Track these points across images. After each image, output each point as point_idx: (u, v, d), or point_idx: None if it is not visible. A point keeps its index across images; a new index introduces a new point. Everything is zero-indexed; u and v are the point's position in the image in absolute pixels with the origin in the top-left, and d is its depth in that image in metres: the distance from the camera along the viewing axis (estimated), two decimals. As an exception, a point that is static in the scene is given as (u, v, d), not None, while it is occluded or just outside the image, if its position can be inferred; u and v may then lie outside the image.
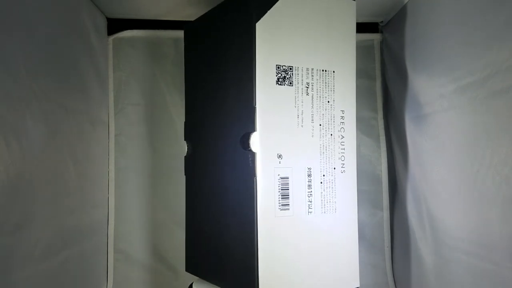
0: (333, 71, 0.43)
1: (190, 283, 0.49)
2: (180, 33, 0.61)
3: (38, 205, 0.39)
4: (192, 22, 0.50)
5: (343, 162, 0.43)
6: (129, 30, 0.61)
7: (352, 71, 0.44)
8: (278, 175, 0.40)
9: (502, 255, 0.34)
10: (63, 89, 0.45)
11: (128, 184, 0.60)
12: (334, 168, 0.43)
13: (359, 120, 0.62)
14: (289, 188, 0.41)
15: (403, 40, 0.53)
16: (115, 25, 0.61)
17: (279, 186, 0.40)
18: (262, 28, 0.39)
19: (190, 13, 0.59)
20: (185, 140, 0.51)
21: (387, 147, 0.62)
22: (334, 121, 0.43)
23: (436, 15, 0.45)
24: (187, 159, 0.51)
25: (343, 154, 0.43)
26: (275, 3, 0.40)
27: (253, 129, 0.39)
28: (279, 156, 0.40)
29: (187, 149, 0.50)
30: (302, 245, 0.41)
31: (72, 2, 0.48)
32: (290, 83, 0.41)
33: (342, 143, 0.43)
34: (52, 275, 0.42)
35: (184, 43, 0.52)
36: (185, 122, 0.51)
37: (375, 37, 0.63)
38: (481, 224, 0.37)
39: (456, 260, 0.42)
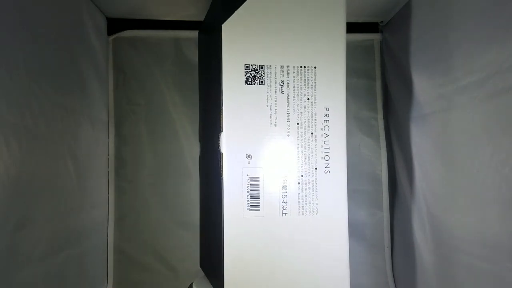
0: (314, 67, 0.41)
1: (190, 283, 0.49)
2: (180, 33, 0.61)
3: (38, 205, 0.39)
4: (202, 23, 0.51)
5: (327, 162, 0.41)
6: (129, 30, 0.61)
7: (339, 65, 0.41)
8: (247, 175, 0.40)
9: (502, 255, 0.34)
10: (63, 89, 0.45)
11: (128, 184, 0.60)
12: (316, 168, 0.41)
13: (359, 120, 0.62)
14: (260, 188, 0.40)
15: (403, 40, 0.53)
16: (115, 25, 0.61)
17: (248, 186, 0.40)
18: (229, 29, 0.39)
19: (190, 13, 0.59)
20: (199, 141, 0.52)
21: (387, 147, 0.62)
22: (315, 119, 0.41)
23: (436, 15, 0.45)
24: (199, 159, 0.52)
25: (327, 154, 0.41)
26: (243, 2, 0.40)
27: (220, 130, 0.39)
28: (248, 156, 0.40)
29: (199, 149, 0.52)
30: (276, 247, 0.40)
31: (72, 2, 0.48)
32: (261, 82, 0.40)
33: (326, 142, 0.41)
34: (52, 275, 0.42)
35: (198, 45, 0.53)
36: (199, 123, 0.52)
37: (375, 37, 0.63)
38: (481, 224, 0.37)
39: (456, 260, 0.42)
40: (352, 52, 0.62)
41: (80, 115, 0.50)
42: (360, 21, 0.62)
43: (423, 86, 0.48)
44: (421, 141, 0.49)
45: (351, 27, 0.62)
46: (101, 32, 0.58)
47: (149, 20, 0.61)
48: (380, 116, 0.62)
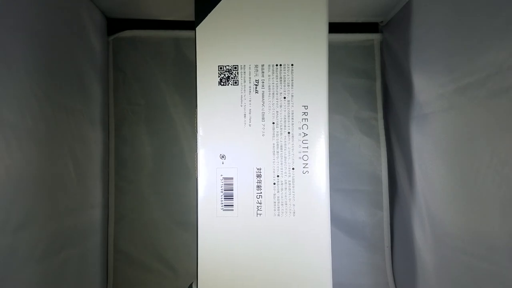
0: (291, 65, 0.40)
1: (190, 283, 0.49)
2: (180, 33, 0.61)
3: (38, 205, 0.39)
4: None
5: (305, 162, 0.40)
6: (129, 30, 0.61)
7: (320, 62, 0.40)
8: (221, 175, 0.40)
9: (502, 255, 0.34)
10: (63, 89, 0.45)
11: (128, 184, 0.60)
12: (293, 169, 0.40)
13: (359, 120, 0.62)
14: (234, 188, 0.40)
15: (403, 40, 0.53)
16: (115, 25, 0.61)
17: (221, 187, 0.40)
18: (203, 31, 0.40)
19: (190, 13, 0.58)
20: None
21: (387, 147, 0.62)
22: (292, 118, 0.40)
23: (436, 15, 0.45)
24: None
25: (305, 154, 0.40)
26: (216, 5, 0.40)
27: (196, 131, 0.40)
28: (222, 157, 0.40)
29: None
30: (250, 248, 0.40)
31: (72, 2, 0.48)
32: (235, 82, 0.40)
33: (304, 142, 0.40)
34: (52, 275, 0.42)
35: None
36: None
37: (375, 37, 0.63)
38: (481, 224, 0.37)
39: (456, 260, 0.42)
40: (352, 52, 0.62)
41: (80, 115, 0.50)
42: (360, 21, 0.62)
43: (423, 86, 0.48)
44: (421, 141, 0.49)
45: (351, 27, 0.62)
46: (101, 32, 0.58)
47: (149, 20, 0.61)
48: (380, 116, 0.62)
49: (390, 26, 0.59)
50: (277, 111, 0.40)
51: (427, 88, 0.47)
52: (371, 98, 0.62)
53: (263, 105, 0.40)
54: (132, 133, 0.61)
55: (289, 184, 0.40)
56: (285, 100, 0.40)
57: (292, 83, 0.40)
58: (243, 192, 0.40)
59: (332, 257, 0.59)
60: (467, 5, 0.39)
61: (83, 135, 0.51)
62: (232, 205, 0.40)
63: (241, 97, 0.40)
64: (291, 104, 0.40)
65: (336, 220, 0.61)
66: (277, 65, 0.40)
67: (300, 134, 0.40)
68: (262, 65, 0.40)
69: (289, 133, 0.40)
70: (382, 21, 0.62)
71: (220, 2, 0.40)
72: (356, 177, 0.61)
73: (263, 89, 0.40)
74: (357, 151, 0.62)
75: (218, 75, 0.40)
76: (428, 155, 0.47)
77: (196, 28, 0.41)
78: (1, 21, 0.34)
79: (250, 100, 0.40)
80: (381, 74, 0.63)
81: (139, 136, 0.61)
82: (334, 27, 0.61)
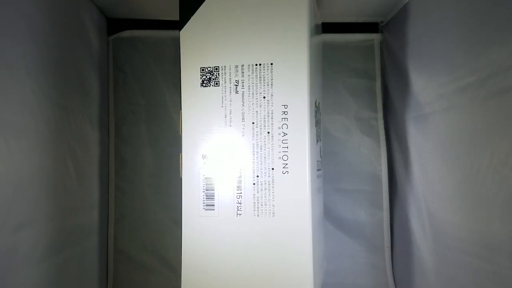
0: (271, 64, 0.40)
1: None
2: (180, 33, 0.61)
3: (38, 205, 0.39)
4: None
5: (285, 162, 0.40)
6: (129, 30, 0.61)
7: (300, 61, 0.40)
8: (203, 175, 0.41)
9: (502, 255, 0.34)
10: (63, 89, 0.45)
11: (128, 184, 0.60)
12: (272, 169, 0.40)
13: (359, 120, 0.62)
14: (214, 188, 0.41)
15: (403, 40, 0.53)
16: (115, 25, 0.61)
17: (203, 186, 0.41)
18: (186, 34, 0.41)
19: (190, 13, 0.59)
20: None
21: (387, 147, 0.62)
22: (272, 118, 0.40)
23: (436, 15, 0.45)
24: None
25: (285, 153, 0.40)
26: (198, 8, 0.41)
27: (180, 132, 0.41)
28: (204, 157, 0.41)
29: None
30: (231, 247, 0.40)
31: (72, 2, 0.48)
32: (216, 83, 0.41)
33: (284, 141, 0.40)
34: (52, 275, 0.42)
35: None
36: None
37: (375, 37, 0.63)
38: (481, 224, 0.37)
39: (456, 260, 0.42)
40: (352, 52, 0.62)
41: (80, 115, 0.50)
42: (360, 21, 0.62)
43: (423, 86, 0.48)
44: (421, 141, 0.49)
45: (351, 27, 0.62)
46: (101, 32, 0.58)
47: (149, 20, 0.61)
48: (380, 116, 0.62)
49: (390, 26, 0.59)
50: (256, 111, 0.40)
51: (427, 88, 0.47)
52: (371, 98, 0.62)
53: (243, 105, 0.41)
54: (132, 133, 0.61)
55: (269, 184, 0.40)
56: (264, 100, 0.40)
57: (272, 82, 0.40)
58: (224, 192, 0.41)
59: (332, 257, 0.60)
60: (467, 5, 0.39)
61: (83, 135, 0.51)
62: (213, 204, 0.41)
63: (222, 97, 0.41)
64: (271, 104, 0.40)
65: (336, 220, 0.61)
66: (256, 64, 0.40)
67: (279, 134, 0.40)
68: (242, 65, 0.41)
69: (268, 133, 0.40)
70: (382, 21, 0.62)
71: (202, 5, 0.41)
72: (356, 177, 0.61)
73: (243, 89, 0.41)
74: (357, 151, 0.62)
75: (200, 76, 0.41)
76: (428, 155, 0.47)
77: (180, 32, 0.41)
78: (1, 21, 0.34)
79: (230, 101, 0.41)
80: (381, 74, 0.63)
81: (139, 136, 0.61)
82: (334, 27, 0.62)
